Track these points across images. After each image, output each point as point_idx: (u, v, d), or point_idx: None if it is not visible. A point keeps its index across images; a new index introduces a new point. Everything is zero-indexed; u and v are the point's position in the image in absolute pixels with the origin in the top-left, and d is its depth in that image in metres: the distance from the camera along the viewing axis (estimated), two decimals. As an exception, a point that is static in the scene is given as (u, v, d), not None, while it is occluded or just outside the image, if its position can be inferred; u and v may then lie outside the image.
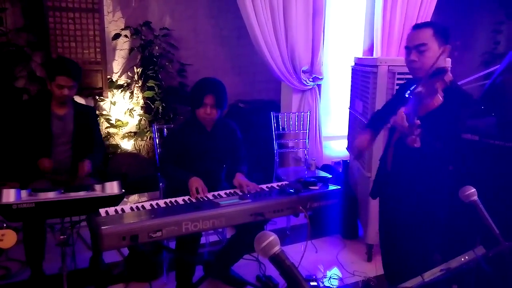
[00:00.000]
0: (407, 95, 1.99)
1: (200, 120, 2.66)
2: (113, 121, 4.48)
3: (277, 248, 1.05)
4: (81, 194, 2.17)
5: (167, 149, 2.78)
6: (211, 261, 2.83)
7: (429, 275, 1.24)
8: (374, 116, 2.44)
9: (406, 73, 2.61)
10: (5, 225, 1.78)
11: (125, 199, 3.47)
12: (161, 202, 2.30)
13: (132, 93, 4.58)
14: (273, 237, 1.06)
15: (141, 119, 4.61)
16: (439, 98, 1.84)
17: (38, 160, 2.66)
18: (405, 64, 2.13)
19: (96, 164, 2.90)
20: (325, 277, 3.02)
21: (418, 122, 1.68)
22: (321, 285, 2.91)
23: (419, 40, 2.00)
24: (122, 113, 4.57)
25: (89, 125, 2.93)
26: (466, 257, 1.30)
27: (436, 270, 1.27)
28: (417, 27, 2.06)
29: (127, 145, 4.61)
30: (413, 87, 2.01)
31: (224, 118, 2.79)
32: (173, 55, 4.68)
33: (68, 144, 2.84)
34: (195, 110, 2.63)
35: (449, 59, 2.84)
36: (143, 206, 2.24)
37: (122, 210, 2.15)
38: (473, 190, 1.60)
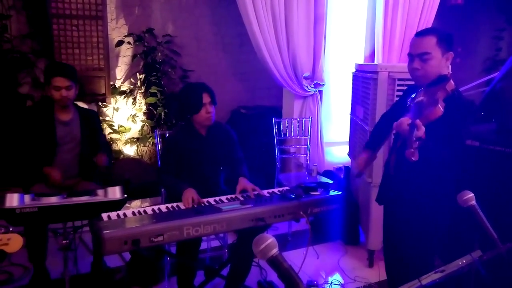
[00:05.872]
0: (408, 104, 1.98)
1: (199, 123, 2.66)
2: (116, 127, 4.51)
3: (275, 251, 1.07)
4: (84, 199, 2.18)
5: (165, 159, 2.76)
6: (213, 268, 2.83)
7: (426, 279, 1.25)
8: (373, 133, 2.42)
9: (407, 79, 2.62)
10: (11, 229, 1.80)
11: (127, 205, 3.49)
12: (163, 207, 2.32)
13: (135, 99, 4.62)
14: (271, 239, 1.07)
15: (144, 125, 4.65)
16: (440, 109, 1.77)
17: (44, 168, 2.65)
18: (408, 71, 2.09)
19: (110, 158, 2.95)
20: (327, 283, 3.02)
21: (418, 134, 1.65)
22: (322, 290, 2.91)
23: (423, 48, 1.96)
24: (125, 119, 4.61)
25: (95, 129, 2.95)
26: (464, 261, 1.31)
27: (433, 274, 1.28)
28: (421, 34, 2.02)
29: (130, 150, 4.64)
30: (414, 95, 1.99)
31: (217, 121, 2.79)
32: (175, 62, 4.72)
33: (75, 150, 2.85)
34: (193, 115, 2.63)
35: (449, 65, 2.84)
36: (144, 211, 2.25)
37: (124, 214, 2.17)
38: (471, 194, 1.60)
